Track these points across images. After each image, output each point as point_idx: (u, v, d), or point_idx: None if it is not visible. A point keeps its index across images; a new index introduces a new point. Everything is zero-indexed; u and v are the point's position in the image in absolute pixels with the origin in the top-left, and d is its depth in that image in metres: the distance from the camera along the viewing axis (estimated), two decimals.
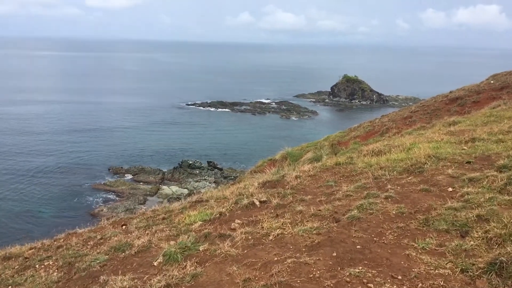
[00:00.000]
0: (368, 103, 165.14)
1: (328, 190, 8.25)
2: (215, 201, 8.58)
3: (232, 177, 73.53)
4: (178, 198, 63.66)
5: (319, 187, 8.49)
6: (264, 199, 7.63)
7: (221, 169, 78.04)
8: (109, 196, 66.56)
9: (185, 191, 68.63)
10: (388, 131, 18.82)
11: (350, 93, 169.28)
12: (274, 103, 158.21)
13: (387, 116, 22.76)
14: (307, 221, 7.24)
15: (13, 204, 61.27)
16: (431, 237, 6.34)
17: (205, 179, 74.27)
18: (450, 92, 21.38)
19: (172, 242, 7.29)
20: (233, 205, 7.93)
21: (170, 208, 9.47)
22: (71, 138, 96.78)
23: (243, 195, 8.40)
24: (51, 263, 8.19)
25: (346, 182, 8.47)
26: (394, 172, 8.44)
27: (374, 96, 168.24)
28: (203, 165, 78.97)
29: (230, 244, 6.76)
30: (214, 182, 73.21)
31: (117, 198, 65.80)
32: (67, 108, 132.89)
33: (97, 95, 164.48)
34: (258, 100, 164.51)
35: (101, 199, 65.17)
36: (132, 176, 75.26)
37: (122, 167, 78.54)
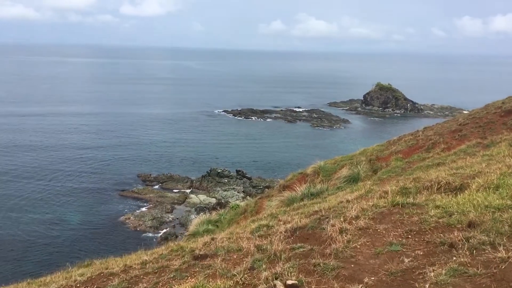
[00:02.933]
0: (402, 112, 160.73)
1: (396, 267, 5.46)
2: (222, 260, 6.44)
3: (261, 186, 71.93)
4: (205, 208, 62.52)
5: (379, 256, 5.70)
6: (294, 281, 5.01)
7: (250, 178, 76.46)
8: (136, 203, 65.96)
9: (213, 200, 67.42)
10: (435, 146, 16.75)
11: (383, 102, 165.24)
12: (305, 111, 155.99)
13: (431, 128, 20.61)
14: None
15: (43, 209, 61.47)
16: None
17: (233, 188, 72.83)
18: (503, 103, 19.14)
19: None
20: (246, 275, 5.52)
21: (164, 263, 6.64)
22: (101, 144, 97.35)
23: (264, 251, 6.10)
24: None
25: (422, 249, 5.68)
26: (502, 236, 5.53)
27: (409, 105, 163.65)
28: (231, 173, 77.60)
29: None
30: (243, 191, 71.74)
31: (144, 206, 65.13)
32: (98, 114, 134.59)
33: (127, 102, 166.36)
34: (289, 108, 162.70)
35: (128, 206, 64.61)
36: (160, 184, 74.65)
37: (150, 174, 78.05)
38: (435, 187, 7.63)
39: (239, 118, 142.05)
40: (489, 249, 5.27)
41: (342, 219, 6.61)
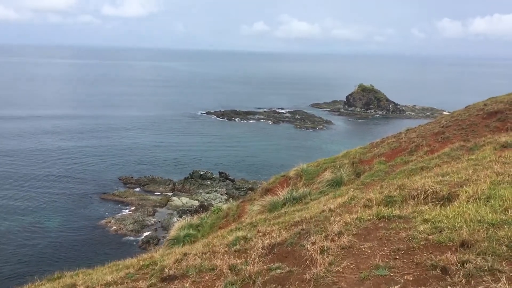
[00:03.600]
0: (384, 113, 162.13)
1: None
2: (192, 283, 5.77)
3: (244, 188, 71.48)
4: (188, 210, 61.85)
5: (364, 282, 5.00)
6: None
7: (233, 180, 75.95)
8: (118, 207, 64.92)
9: (196, 203, 66.76)
10: (418, 149, 16.56)
11: (366, 103, 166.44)
12: (288, 113, 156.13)
13: (414, 130, 20.46)
14: None
15: (22, 214, 60.01)
16: None
17: (216, 191, 72.26)
18: (485, 105, 19.08)
19: None
20: None
21: (129, 285, 6.02)
22: (81, 147, 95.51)
23: (238, 273, 5.52)
24: None
25: (411, 273, 5.06)
26: (501, 259, 4.91)
27: (390, 106, 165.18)
28: (214, 175, 76.99)
29: None
30: (226, 193, 71.21)
31: (126, 209, 64.14)
32: (77, 116, 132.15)
33: (108, 103, 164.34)
34: (272, 109, 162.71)
35: (109, 210, 63.55)
36: (142, 187, 73.65)
37: (132, 177, 76.96)
38: (422, 196, 7.17)
39: (222, 119, 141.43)
40: (489, 278, 4.59)
41: (323, 235, 6.03)
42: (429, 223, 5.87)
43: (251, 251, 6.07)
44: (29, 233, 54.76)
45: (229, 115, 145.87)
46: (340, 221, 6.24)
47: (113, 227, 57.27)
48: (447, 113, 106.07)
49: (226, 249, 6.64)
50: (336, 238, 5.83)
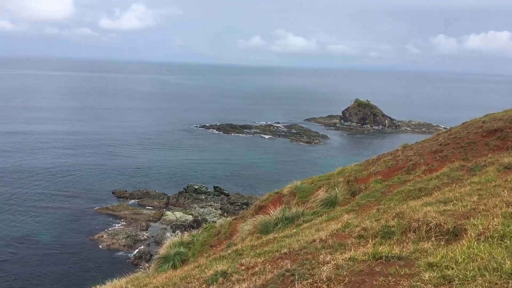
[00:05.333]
0: (380, 128, 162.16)
1: None
2: None
3: (239, 203, 70.70)
4: (182, 225, 60.97)
5: None
6: None
7: (227, 195, 75.13)
8: (110, 221, 63.95)
9: (190, 217, 65.96)
10: (415, 167, 16.00)
11: (362, 118, 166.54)
12: (284, 127, 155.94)
13: (411, 148, 19.93)
14: None
15: (13, 227, 58.97)
16: None
17: (210, 205, 71.47)
18: (483, 122, 18.63)
19: None
20: None
21: None
22: (74, 160, 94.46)
23: None
24: None
25: None
26: None
27: (386, 121, 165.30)
28: (209, 190, 76.18)
29: None
30: (220, 208, 70.46)
31: (119, 223, 63.17)
32: (72, 130, 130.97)
33: (103, 115, 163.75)
34: (268, 123, 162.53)
35: (102, 224, 62.57)
36: (136, 200, 72.78)
37: (126, 191, 76.11)
38: (424, 230, 6.39)
39: (218, 133, 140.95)
40: None
41: (309, 282, 5.07)
42: (435, 270, 5.00)
43: None
44: (20, 245, 53.77)
45: (225, 129, 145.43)
46: (330, 262, 5.48)
47: (106, 242, 56.29)
48: (443, 128, 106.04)
49: (203, 286, 5.98)
50: (324, 287, 4.92)
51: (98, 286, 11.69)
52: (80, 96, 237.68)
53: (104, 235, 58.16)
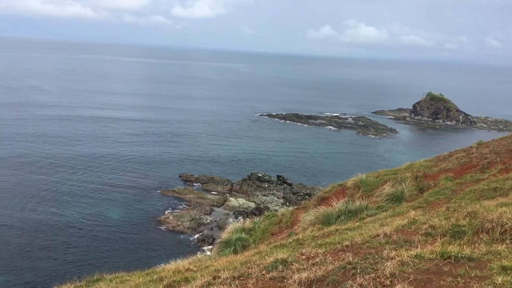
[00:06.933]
0: (453, 123, 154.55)
1: None
2: None
3: (302, 193, 70.55)
4: (244, 212, 61.88)
5: None
6: None
7: (290, 185, 75.17)
8: (176, 203, 66.16)
9: (252, 205, 66.72)
10: (490, 166, 15.07)
11: (434, 112, 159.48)
12: (351, 119, 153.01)
13: (486, 145, 18.80)
14: None
15: (88, 204, 62.70)
16: None
17: (273, 194, 71.81)
18: None
19: None
20: None
21: None
22: (144, 142, 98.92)
23: None
24: None
25: None
26: None
27: (461, 116, 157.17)
28: (272, 178, 76.59)
29: None
30: (283, 197, 70.62)
31: (184, 206, 65.21)
32: (143, 113, 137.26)
33: (173, 102, 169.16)
34: (335, 114, 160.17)
35: (168, 205, 64.88)
36: (201, 185, 74.72)
37: (192, 175, 78.30)
38: (498, 231, 5.89)
39: (283, 122, 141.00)
40: None
41: (372, 276, 4.87)
42: (510, 274, 4.59)
43: (288, 281, 5.36)
44: (91, 221, 57.11)
45: (290, 118, 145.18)
46: (394, 258, 5.28)
47: (171, 224, 58.30)
48: None
49: (263, 272, 6.03)
50: (387, 283, 4.71)
51: (162, 264, 12.18)
52: (152, 82, 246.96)
53: (170, 217, 60.26)
